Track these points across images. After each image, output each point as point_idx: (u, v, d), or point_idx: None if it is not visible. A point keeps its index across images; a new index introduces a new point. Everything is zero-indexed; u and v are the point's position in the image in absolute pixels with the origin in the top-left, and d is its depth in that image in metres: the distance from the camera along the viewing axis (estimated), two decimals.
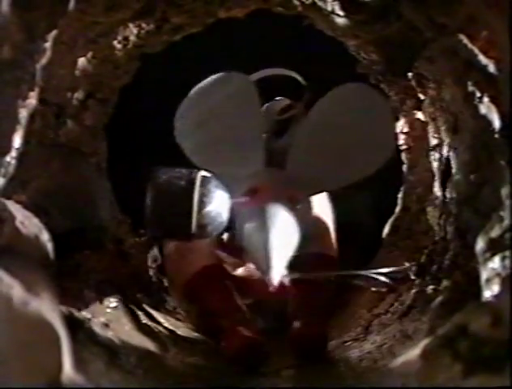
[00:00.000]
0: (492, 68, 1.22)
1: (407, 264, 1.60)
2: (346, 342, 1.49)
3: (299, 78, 1.77)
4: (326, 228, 1.65)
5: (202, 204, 1.31)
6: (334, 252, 1.64)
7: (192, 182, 1.32)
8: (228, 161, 1.49)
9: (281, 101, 1.81)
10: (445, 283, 1.32)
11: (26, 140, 1.23)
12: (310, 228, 1.46)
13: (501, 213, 1.14)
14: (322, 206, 1.63)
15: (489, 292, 1.02)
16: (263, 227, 1.29)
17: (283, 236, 1.30)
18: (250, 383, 1.25)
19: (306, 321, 1.44)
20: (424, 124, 1.71)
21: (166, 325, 1.60)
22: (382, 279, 1.49)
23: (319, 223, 1.60)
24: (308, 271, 1.50)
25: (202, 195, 1.31)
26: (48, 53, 1.11)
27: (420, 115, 1.72)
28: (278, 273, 1.24)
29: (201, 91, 1.52)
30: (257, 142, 1.49)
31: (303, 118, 1.62)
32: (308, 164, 1.48)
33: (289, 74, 1.79)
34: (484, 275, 1.08)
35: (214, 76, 1.51)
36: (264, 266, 1.25)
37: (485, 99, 1.27)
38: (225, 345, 1.40)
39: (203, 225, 1.32)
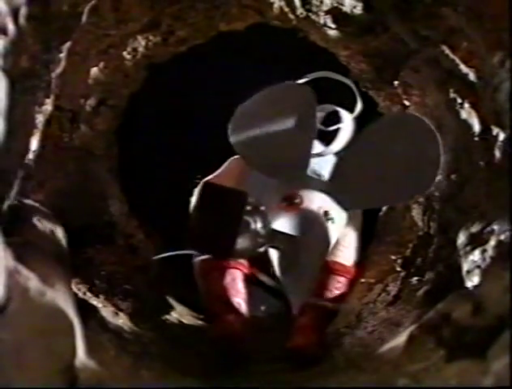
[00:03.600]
0: (472, 76, 1.22)
1: (393, 257, 1.60)
2: (339, 329, 1.48)
3: (354, 87, 1.64)
4: (352, 241, 1.60)
5: (245, 225, 1.24)
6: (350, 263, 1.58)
7: (241, 202, 1.23)
8: (275, 164, 1.46)
9: (326, 107, 1.70)
10: (428, 274, 1.31)
11: (42, 143, 1.23)
12: (338, 241, 1.46)
13: (481, 210, 1.13)
14: (353, 219, 1.59)
15: (470, 282, 1.02)
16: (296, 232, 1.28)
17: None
18: (253, 373, 1.23)
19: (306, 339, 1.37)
20: None
21: (173, 314, 1.60)
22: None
23: (346, 237, 1.56)
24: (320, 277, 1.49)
25: (247, 216, 1.24)
26: (62, 63, 1.11)
27: None
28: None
29: (263, 98, 1.49)
30: (307, 153, 1.47)
31: (351, 134, 1.58)
32: (350, 182, 1.46)
33: (345, 82, 1.66)
34: (465, 267, 1.08)
35: (280, 85, 1.49)
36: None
37: (466, 105, 1.27)
38: (212, 330, 1.38)
39: (243, 246, 1.25)
